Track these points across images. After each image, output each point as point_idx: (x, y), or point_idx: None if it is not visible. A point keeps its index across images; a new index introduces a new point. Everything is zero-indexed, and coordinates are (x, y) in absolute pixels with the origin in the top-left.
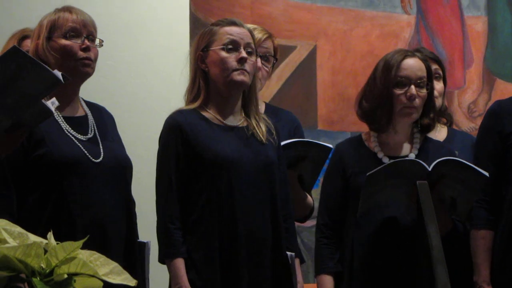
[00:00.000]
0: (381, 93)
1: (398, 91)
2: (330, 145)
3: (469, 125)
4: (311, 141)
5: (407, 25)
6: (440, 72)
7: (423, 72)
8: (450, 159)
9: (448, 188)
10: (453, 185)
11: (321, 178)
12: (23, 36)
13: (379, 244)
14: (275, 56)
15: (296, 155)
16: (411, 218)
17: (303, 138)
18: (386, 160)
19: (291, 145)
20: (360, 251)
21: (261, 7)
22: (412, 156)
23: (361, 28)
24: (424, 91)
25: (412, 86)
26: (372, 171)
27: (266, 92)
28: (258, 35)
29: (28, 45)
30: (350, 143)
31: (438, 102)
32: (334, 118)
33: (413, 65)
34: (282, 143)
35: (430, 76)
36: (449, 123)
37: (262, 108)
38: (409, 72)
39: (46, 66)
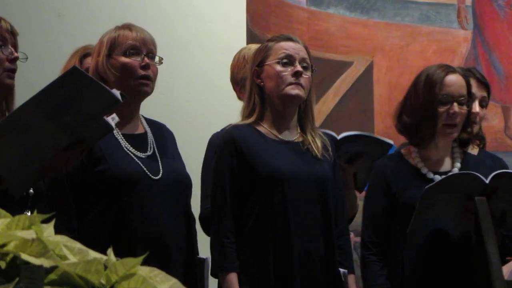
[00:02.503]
0: (424, 109)
1: (441, 109)
2: (391, 141)
3: None
4: (372, 136)
5: (464, 40)
6: (487, 99)
7: (464, 89)
8: (507, 172)
9: (500, 201)
10: (506, 198)
11: None
12: (85, 54)
13: (430, 259)
14: None
15: (355, 150)
16: (461, 232)
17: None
18: (430, 175)
19: (352, 139)
20: (410, 266)
21: (318, 23)
22: (456, 170)
23: (417, 43)
24: (465, 108)
25: (455, 104)
26: (430, 184)
27: (323, 108)
28: None
29: (89, 62)
30: (391, 160)
31: (476, 128)
32: (391, 133)
33: (455, 82)
34: (344, 134)
35: (470, 92)
36: (482, 145)
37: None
38: (452, 90)
39: (105, 86)
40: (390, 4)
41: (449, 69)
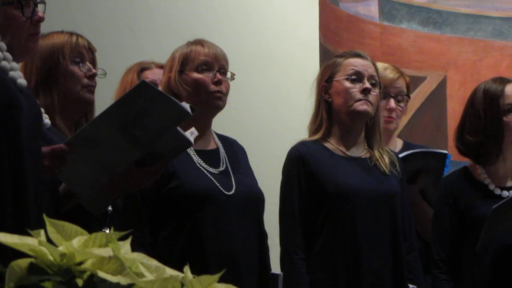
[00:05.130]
0: (489, 125)
1: (507, 119)
2: (445, 151)
3: None
4: (425, 151)
5: None
6: None
7: None
8: None
9: None
10: None
11: None
12: (141, 68)
13: (500, 274)
14: (408, 94)
15: (414, 168)
16: None
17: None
18: (498, 191)
19: (407, 158)
20: (481, 283)
21: (391, 38)
22: None
23: (490, 58)
24: None
25: None
26: (497, 204)
27: None
28: (390, 75)
29: (147, 76)
30: (458, 176)
31: None
32: None
33: None
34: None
35: None
36: None
37: (399, 145)
38: None
39: (174, 99)
40: (463, 19)
41: (504, 80)
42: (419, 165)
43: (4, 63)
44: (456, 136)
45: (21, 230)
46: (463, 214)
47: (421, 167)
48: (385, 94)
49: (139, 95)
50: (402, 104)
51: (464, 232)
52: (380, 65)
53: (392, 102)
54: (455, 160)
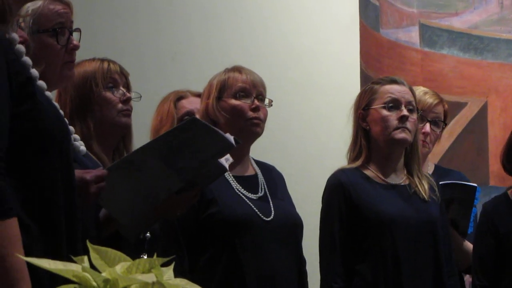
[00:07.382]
0: None
1: None
2: (475, 184)
3: None
4: (454, 182)
5: None
6: None
7: None
8: None
9: None
10: None
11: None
12: (178, 97)
13: None
14: (444, 121)
15: (444, 198)
16: None
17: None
18: None
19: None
20: None
21: (431, 64)
22: None
23: None
24: None
25: None
26: None
27: (437, 149)
28: (429, 99)
29: (184, 105)
30: (498, 201)
31: None
32: (506, 174)
33: None
34: None
35: None
36: None
37: (431, 169)
38: None
39: (220, 132)
40: (504, 45)
41: None
42: (449, 195)
43: (48, 93)
44: (504, 152)
45: (71, 254)
46: (503, 240)
47: (452, 197)
48: (422, 118)
49: (188, 130)
50: (437, 130)
51: (504, 257)
52: (420, 89)
53: (427, 127)
54: (496, 185)
